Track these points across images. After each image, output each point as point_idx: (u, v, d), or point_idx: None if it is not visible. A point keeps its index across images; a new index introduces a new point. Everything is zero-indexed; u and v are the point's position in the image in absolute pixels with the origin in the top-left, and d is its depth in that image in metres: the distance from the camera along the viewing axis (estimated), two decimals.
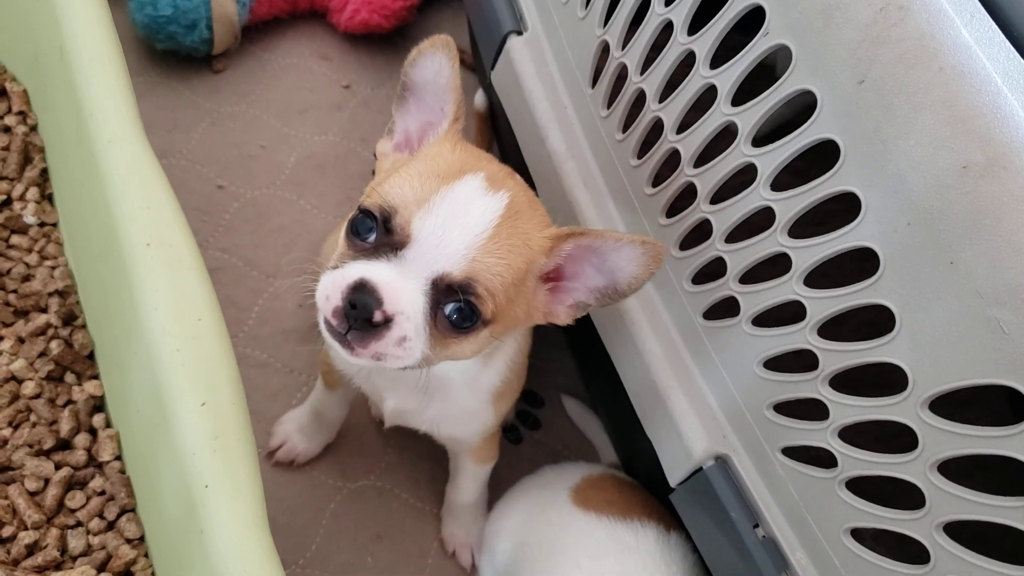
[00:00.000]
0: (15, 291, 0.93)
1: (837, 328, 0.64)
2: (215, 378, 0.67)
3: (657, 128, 0.77)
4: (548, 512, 0.93)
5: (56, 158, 1.00)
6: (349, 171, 1.30)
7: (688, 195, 0.74)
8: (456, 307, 0.65)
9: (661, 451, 0.80)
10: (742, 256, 0.69)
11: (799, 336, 0.65)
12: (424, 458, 1.10)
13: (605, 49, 0.83)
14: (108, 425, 0.88)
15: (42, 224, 0.99)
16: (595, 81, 0.85)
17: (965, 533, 0.58)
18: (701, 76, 0.70)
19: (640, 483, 1.00)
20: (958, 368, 0.55)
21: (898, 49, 0.54)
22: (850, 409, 0.63)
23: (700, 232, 0.73)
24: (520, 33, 0.95)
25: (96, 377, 0.90)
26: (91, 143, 0.77)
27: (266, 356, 1.13)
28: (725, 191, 0.70)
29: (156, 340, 0.68)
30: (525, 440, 1.15)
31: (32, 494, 0.82)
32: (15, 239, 0.97)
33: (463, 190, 0.65)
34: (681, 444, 0.76)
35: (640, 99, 0.78)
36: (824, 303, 0.63)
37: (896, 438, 0.60)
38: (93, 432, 0.87)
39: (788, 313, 0.66)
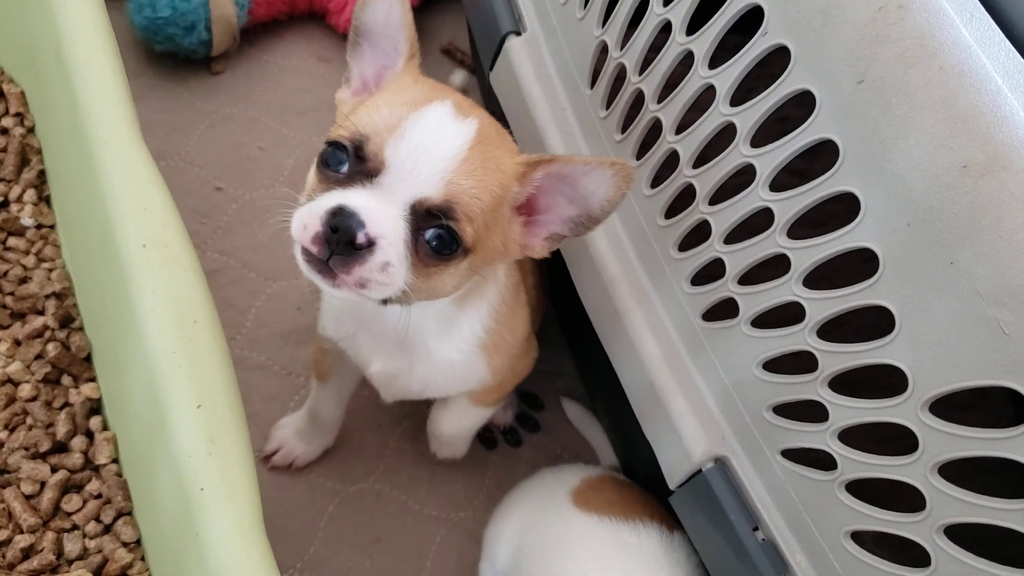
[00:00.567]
0: (12, 293, 0.92)
1: (838, 330, 0.63)
2: (211, 381, 0.67)
3: (656, 128, 0.76)
4: (549, 515, 0.93)
5: (53, 159, 1.00)
6: None
7: (687, 196, 0.74)
8: (436, 232, 0.64)
9: (660, 453, 0.80)
10: (741, 257, 0.69)
11: (798, 338, 0.65)
12: (423, 461, 1.10)
13: (604, 49, 0.83)
14: (105, 428, 0.88)
15: (39, 226, 0.99)
16: (594, 82, 0.85)
17: (966, 536, 0.58)
18: (700, 76, 0.70)
19: (640, 485, 1.00)
20: (958, 369, 0.54)
21: (897, 48, 0.54)
22: (850, 411, 0.63)
23: (699, 233, 0.73)
24: (519, 34, 0.95)
25: (93, 379, 0.90)
26: (88, 144, 0.76)
27: (264, 358, 1.13)
28: (724, 192, 0.70)
29: (152, 342, 0.68)
30: (524, 443, 1.15)
31: (28, 497, 0.81)
32: (12, 241, 0.96)
33: (433, 116, 0.65)
34: (680, 446, 0.76)
35: (639, 99, 0.78)
36: (823, 304, 0.62)
37: (896, 440, 0.60)
38: (90, 435, 0.87)
39: (788, 314, 0.65)
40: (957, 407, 0.58)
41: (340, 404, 1.03)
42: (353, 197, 0.63)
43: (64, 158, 0.93)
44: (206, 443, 0.64)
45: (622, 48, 0.80)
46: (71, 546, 0.80)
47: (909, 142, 0.54)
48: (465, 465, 1.09)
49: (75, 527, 0.82)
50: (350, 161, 0.66)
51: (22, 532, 0.79)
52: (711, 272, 0.73)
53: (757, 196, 0.66)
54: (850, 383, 0.63)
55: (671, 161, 0.75)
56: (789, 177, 0.65)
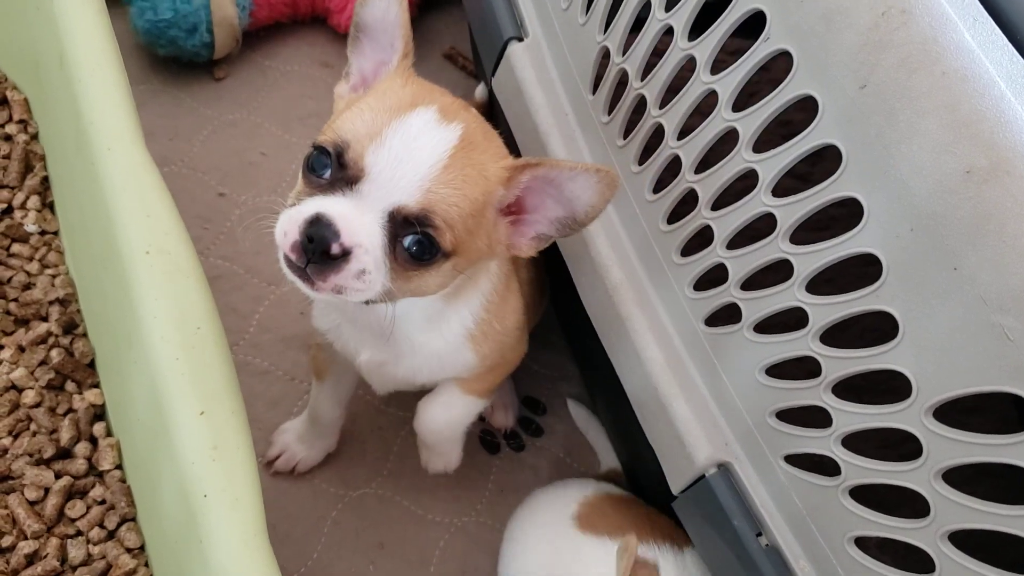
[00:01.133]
0: (16, 300, 0.93)
1: (841, 335, 0.63)
2: (214, 387, 0.67)
3: (658, 134, 0.76)
4: (556, 544, 0.92)
5: (57, 166, 1.00)
6: None
7: (689, 201, 0.73)
8: (415, 239, 0.65)
9: (663, 459, 0.80)
10: (744, 262, 0.69)
11: (801, 343, 0.65)
12: None
13: (606, 55, 0.83)
14: (109, 434, 0.88)
15: (43, 232, 0.99)
16: (596, 87, 0.85)
17: (970, 542, 0.58)
18: (702, 82, 0.70)
19: (642, 491, 0.99)
20: (962, 375, 0.54)
21: (900, 53, 0.54)
22: (853, 416, 0.63)
23: (702, 238, 0.73)
24: (521, 39, 0.95)
25: (97, 386, 0.90)
26: (91, 151, 0.77)
27: (267, 364, 1.13)
28: (726, 197, 0.70)
29: (155, 348, 0.68)
30: (527, 447, 1.14)
31: (32, 503, 0.81)
32: (16, 248, 0.97)
33: (415, 122, 0.66)
34: (683, 451, 0.76)
35: (641, 105, 0.78)
36: (826, 310, 0.62)
37: (900, 446, 0.59)
38: (94, 441, 0.87)
39: (790, 320, 0.65)
40: (961, 411, 0.57)
41: (339, 404, 1.03)
42: (331, 205, 0.64)
43: (67, 164, 0.93)
44: (209, 449, 0.64)
45: (624, 54, 0.80)
46: (75, 552, 0.80)
47: (912, 147, 0.54)
48: (468, 470, 1.09)
49: (79, 533, 0.82)
50: (332, 167, 0.67)
51: (26, 538, 0.79)
52: (714, 277, 0.72)
53: (759, 201, 0.66)
54: (853, 388, 0.63)
55: (673, 166, 0.75)
56: (791, 181, 0.65)
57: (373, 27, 0.75)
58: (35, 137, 1.04)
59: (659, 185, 0.78)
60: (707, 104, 0.70)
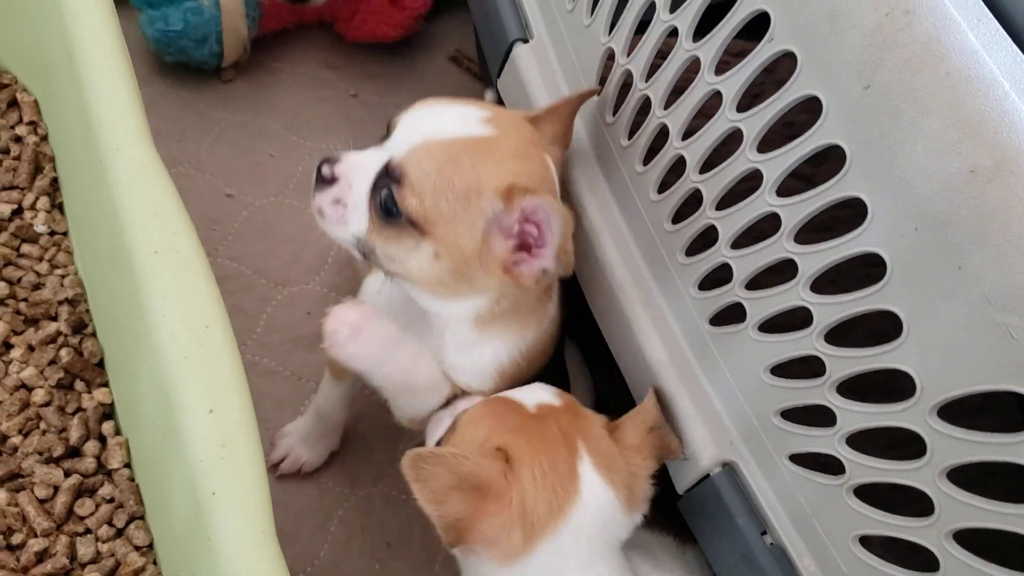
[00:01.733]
0: (25, 300, 0.93)
1: (846, 335, 0.63)
2: (223, 385, 0.67)
3: (663, 134, 0.77)
4: None
5: (66, 167, 1.01)
6: None
7: (694, 201, 0.74)
8: (387, 192, 0.71)
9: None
10: (748, 262, 0.69)
11: (806, 342, 0.65)
12: None
13: (610, 56, 0.83)
14: (117, 432, 0.88)
15: (52, 233, 1.00)
16: (600, 88, 0.85)
17: (975, 541, 0.58)
18: (706, 82, 0.70)
19: None
20: (967, 374, 0.54)
21: (904, 53, 0.54)
22: (858, 416, 0.63)
23: (706, 238, 0.73)
24: (526, 41, 0.96)
25: (105, 385, 0.91)
26: (99, 151, 0.77)
27: (274, 364, 1.13)
28: (731, 197, 0.70)
29: (164, 347, 0.68)
30: None
31: (42, 501, 0.82)
32: (26, 248, 0.97)
33: (454, 108, 0.73)
34: (688, 451, 0.76)
35: (646, 105, 0.78)
36: (831, 309, 0.62)
37: (905, 445, 0.60)
38: (103, 439, 0.88)
39: (795, 319, 0.65)
40: (966, 410, 0.58)
41: (347, 406, 1.03)
42: (356, 152, 0.74)
43: (76, 165, 0.94)
44: (218, 447, 0.64)
45: (629, 55, 0.80)
46: (84, 550, 0.81)
47: (916, 147, 0.54)
48: None
49: (88, 531, 0.82)
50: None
51: (36, 536, 0.80)
52: (718, 277, 0.73)
53: (764, 201, 0.66)
54: (858, 387, 0.63)
55: (678, 166, 0.75)
56: (795, 181, 0.65)
57: None
58: (45, 138, 1.05)
59: (664, 185, 0.78)
60: (711, 105, 0.70)
